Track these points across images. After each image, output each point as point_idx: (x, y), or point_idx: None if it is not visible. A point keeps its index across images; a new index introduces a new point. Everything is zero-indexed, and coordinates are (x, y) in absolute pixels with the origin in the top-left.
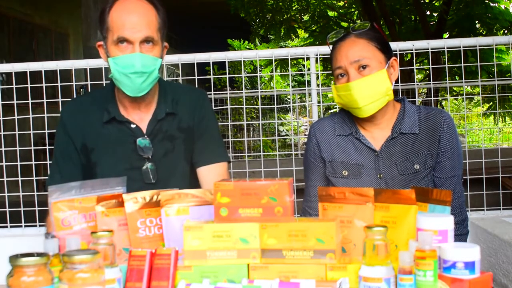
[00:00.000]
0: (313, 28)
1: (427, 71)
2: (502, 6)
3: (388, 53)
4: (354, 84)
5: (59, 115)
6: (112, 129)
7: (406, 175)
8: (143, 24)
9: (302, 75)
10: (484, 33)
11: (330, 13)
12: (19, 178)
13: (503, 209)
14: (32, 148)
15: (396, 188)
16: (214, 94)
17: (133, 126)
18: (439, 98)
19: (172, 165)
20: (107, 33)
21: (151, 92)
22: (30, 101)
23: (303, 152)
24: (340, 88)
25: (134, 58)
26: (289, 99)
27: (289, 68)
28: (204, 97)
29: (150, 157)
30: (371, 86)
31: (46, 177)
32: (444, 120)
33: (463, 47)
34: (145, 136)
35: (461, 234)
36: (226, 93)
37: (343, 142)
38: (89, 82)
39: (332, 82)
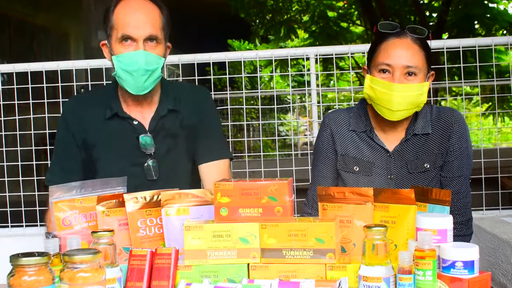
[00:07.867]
0: (313, 28)
1: None
2: (501, 7)
3: (430, 66)
4: (398, 87)
5: (59, 115)
6: (114, 126)
7: (415, 174)
8: (147, 22)
9: (302, 76)
10: (483, 34)
11: (330, 14)
12: (20, 178)
13: (502, 209)
14: (33, 148)
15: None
16: (214, 94)
17: (135, 122)
18: (438, 98)
19: (174, 163)
20: (111, 31)
21: (154, 91)
22: (31, 101)
23: (303, 152)
24: (379, 83)
25: (138, 55)
26: (289, 99)
27: (289, 69)
28: (207, 95)
29: (152, 153)
30: (411, 94)
31: None
32: (455, 119)
33: (462, 47)
34: (148, 132)
35: (464, 235)
36: (226, 93)
37: (357, 138)
38: (89, 83)
39: (362, 70)
